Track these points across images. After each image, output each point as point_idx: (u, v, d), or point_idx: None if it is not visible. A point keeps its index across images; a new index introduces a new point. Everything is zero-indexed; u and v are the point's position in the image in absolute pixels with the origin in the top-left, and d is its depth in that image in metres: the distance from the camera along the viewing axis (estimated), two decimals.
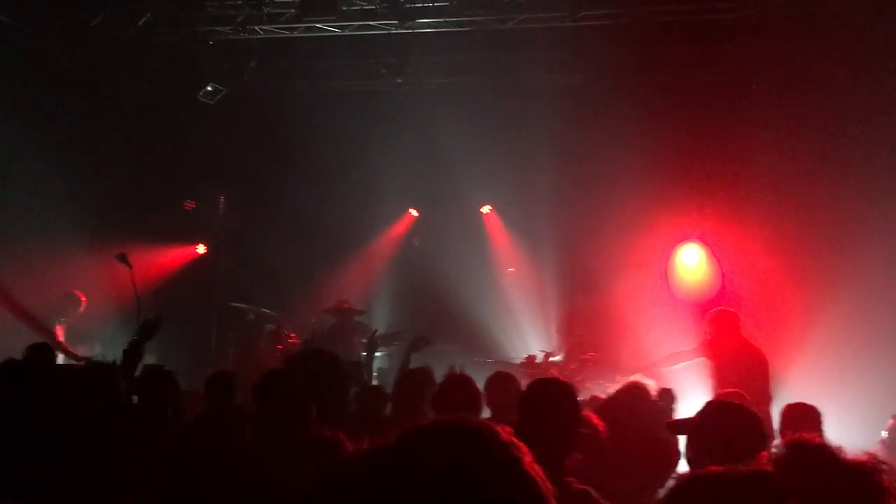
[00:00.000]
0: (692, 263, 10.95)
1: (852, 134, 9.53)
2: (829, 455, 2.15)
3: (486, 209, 12.43)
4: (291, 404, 3.62)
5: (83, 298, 9.39)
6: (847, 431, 5.20)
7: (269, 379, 4.02)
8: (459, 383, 4.40)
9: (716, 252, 10.76)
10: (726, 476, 1.76)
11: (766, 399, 6.51)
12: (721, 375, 6.88)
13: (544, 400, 3.01)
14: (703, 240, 10.90)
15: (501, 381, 4.66)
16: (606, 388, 7.65)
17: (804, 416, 4.48)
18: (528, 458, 1.27)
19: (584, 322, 9.92)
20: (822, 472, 2.10)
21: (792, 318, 9.33)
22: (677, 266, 11.05)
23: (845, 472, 2.11)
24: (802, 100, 9.91)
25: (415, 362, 8.04)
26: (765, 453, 2.39)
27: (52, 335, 8.90)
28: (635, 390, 4.50)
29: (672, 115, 10.38)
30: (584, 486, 2.87)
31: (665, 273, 10.95)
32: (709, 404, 3.32)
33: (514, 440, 1.27)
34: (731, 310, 7.54)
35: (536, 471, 1.26)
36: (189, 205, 10.70)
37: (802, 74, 10.01)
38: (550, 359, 9.47)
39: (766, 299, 9.65)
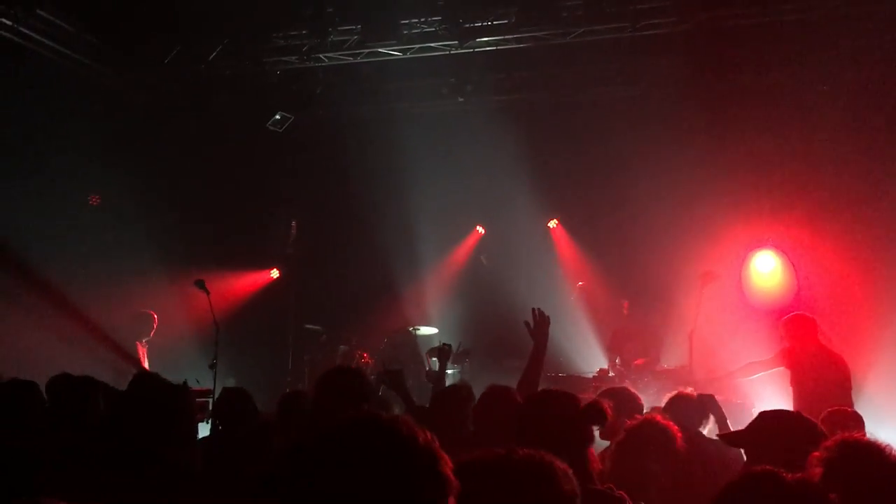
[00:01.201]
0: (767, 270, 10.69)
1: None
2: (877, 452, 2.18)
3: (552, 223, 12.40)
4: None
5: (154, 315, 9.68)
6: None
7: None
8: (499, 396, 4.32)
9: (791, 259, 10.49)
10: (774, 477, 1.79)
11: (848, 405, 6.33)
12: (801, 383, 6.73)
13: (539, 411, 2.99)
14: (778, 246, 10.64)
15: (496, 394, 4.38)
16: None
17: (847, 420, 4.35)
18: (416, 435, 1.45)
19: (633, 335, 9.77)
20: (872, 468, 2.12)
21: (868, 324, 9.02)
22: (752, 273, 10.81)
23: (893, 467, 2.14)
24: (877, 102, 9.62)
25: (483, 377, 8.08)
26: (815, 453, 2.36)
27: (137, 361, 9.24)
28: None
29: (742, 121, 10.20)
30: (619, 493, 2.84)
31: (740, 281, 10.73)
32: (762, 414, 3.26)
33: (420, 431, 1.46)
34: (808, 314, 7.35)
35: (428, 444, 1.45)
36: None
37: (876, 76, 9.71)
38: (610, 373, 9.41)
39: (841, 306, 9.36)
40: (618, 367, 9.37)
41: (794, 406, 6.39)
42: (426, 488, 1.38)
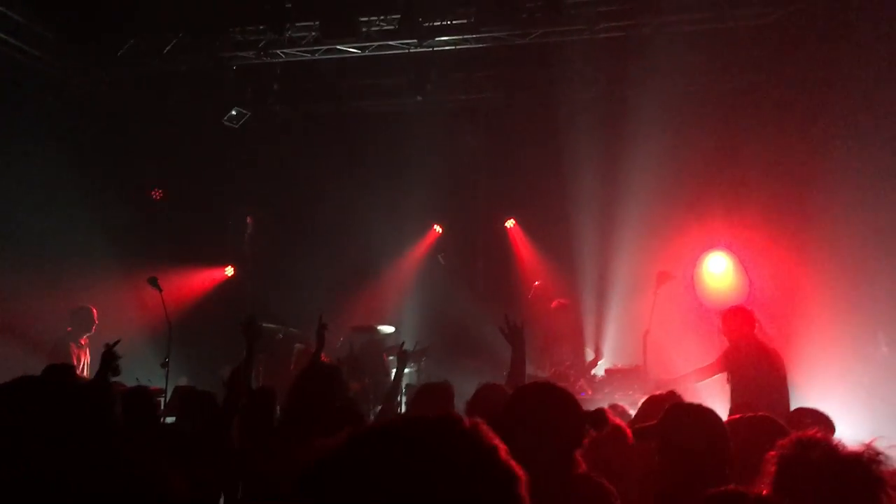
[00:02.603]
0: (719, 272, 10.87)
1: (886, 139, 9.43)
2: (829, 449, 2.24)
3: (509, 223, 12.45)
4: None
5: (94, 310, 9.38)
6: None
7: None
8: (491, 393, 4.33)
9: (743, 260, 10.68)
10: (740, 498, 1.80)
11: (784, 402, 6.48)
12: (738, 385, 6.83)
13: (525, 401, 2.97)
14: (730, 247, 10.83)
15: (488, 392, 4.48)
16: (633, 397, 7.69)
17: (816, 420, 4.43)
18: (498, 447, 1.29)
19: (565, 337, 9.78)
20: (824, 466, 2.17)
21: (819, 324, 9.23)
22: (705, 274, 10.98)
23: (844, 463, 2.19)
24: (832, 106, 9.82)
25: (444, 377, 8.08)
26: (772, 453, 2.40)
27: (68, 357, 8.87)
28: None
29: (697, 123, 10.36)
30: (600, 479, 2.86)
31: (693, 282, 10.89)
32: (670, 408, 3.31)
33: (482, 430, 1.30)
34: (745, 307, 7.46)
35: (507, 459, 1.28)
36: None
37: (831, 79, 9.93)
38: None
39: (792, 307, 9.56)
40: (566, 368, 9.30)
41: (732, 406, 6.44)
42: None
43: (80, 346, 9.19)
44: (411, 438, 1.27)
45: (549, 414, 2.81)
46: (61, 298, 9.54)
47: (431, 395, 4.84)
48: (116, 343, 5.88)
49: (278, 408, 5.09)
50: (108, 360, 5.63)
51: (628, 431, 3.82)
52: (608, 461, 3.49)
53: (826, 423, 4.54)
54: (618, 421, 3.84)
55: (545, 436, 2.72)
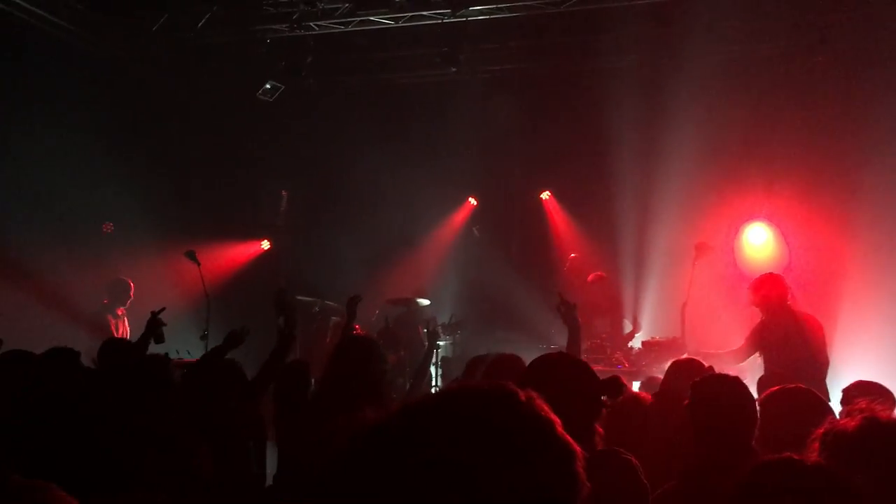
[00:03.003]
0: (759, 243, 10.69)
1: None
2: (872, 418, 2.21)
3: (545, 195, 12.34)
4: None
5: (130, 282, 9.52)
6: None
7: None
8: (509, 362, 4.30)
9: (783, 231, 10.48)
10: (792, 464, 1.77)
11: (819, 372, 6.32)
12: (770, 354, 6.65)
13: (540, 372, 2.93)
14: (771, 218, 10.63)
15: (508, 362, 4.36)
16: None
17: (873, 393, 4.30)
18: (554, 421, 1.27)
19: (603, 310, 9.66)
20: (867, 435, 2.15)
21: (860, 298, 9.04)
22: (744, 246, 10.80)
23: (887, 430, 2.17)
24: (873, 75, 9.56)
25: (475, 350, 8.07)
26: (819, 430, 2.37)
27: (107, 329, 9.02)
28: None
29: (737, 92, 10.14)
30: (625, 454, 2.83)
31: (732, 253, 10.73)
32: (700, 382, 3.29)
33: (538, 403, 1.27)
34: (778, 275, 7.17)
35: (563, 434, 1.25)
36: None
37: (877, 45, 9.64)
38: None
39: (833, 278, 9.38)
40: (602, 340, 9.21)
41: (764, 377, 6.28)
42: (556, 487, 1.20)
43: (118, 318, 9.36)
44: (468, 410, 1.23)
45: (565, 384, 2.77)
46: (100, 272, 9.69)
47: (503, 367, 4.74)
48: (161, 311, 5.97)
49: (313, 381, 5.12)
50: (153, 326, 5.72)
51: (647, 399, 3.80)
52: (622, 432, 3.48)
53: (884, 395, 4.40)
54: (640, 393, 3.81)
55: (561, 407, 2.68)
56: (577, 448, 1.25)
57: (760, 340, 6.84)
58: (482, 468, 1.15)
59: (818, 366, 6.49)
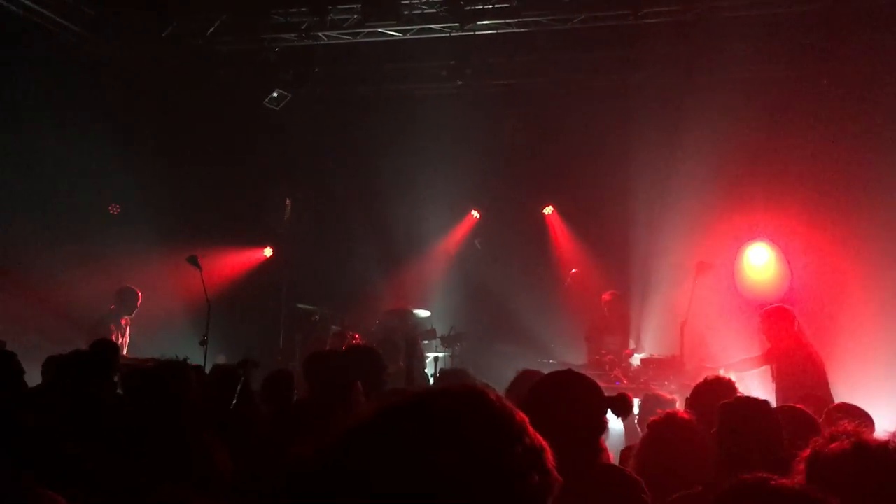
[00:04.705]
0: (760, 263, 10.70)
1: None
2: (856, 440, 2.23)
3: (548, 210, 12.36)
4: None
5: (138, 291, 9.54)
6: None
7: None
8: (531, 378, 4.29)
9: (785, 251, 10.50)
10: (766, 484, 1.79)
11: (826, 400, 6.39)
12: (781, 378, 6.82)
13: (546, 388, 2.95)
14: (772, 239, 10.65)
15: (528, 377, 4.39)
16: (668, 387, 7.63)
17: (853, 415, 4.35)
18: (524, 419, 1.31)
19: (613, 328, 9.72)
20: (850, 456, 2.16)
21: (863, 318, 9.05)
22: (745, 266, 10.81)
23: (870, 452, 2.18)
24: (877, 95, 9.60)
25: (475, 362, 8.09)
26: (805, 452, 2.39)
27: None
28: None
29: (740, 112, 10.16)
30: (626, 470, 2.84)
31: (733, 273, 10.74)
32: (730, 405, 3.30)
33: (508, 403, 1.32)
34: (785, 307, 7.48)
35: (529, 430, 1.30)
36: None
37: (876, 69, 9.69)
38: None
39: (835, 299, 9.39)
40: (603, 357, 9.25)
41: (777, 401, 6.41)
42: (527, 478, 1.24)
43: (120, 327, 9.37)
44: (439, 409, 1.28)
45: (571, 402, 2.80)
46: (103, 275, 9.72)
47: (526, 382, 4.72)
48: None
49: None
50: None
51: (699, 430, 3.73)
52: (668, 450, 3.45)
53: (863, 419, 4.43)
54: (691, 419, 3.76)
55: (567, 422, 2.71)
56: (546, 444, 1.30)
57: (774, 359, 7.10)
58: (454, 461, 1.20)
59: (826, 390, 6.64)
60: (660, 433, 3.58)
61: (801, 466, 2.37)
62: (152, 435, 2.97)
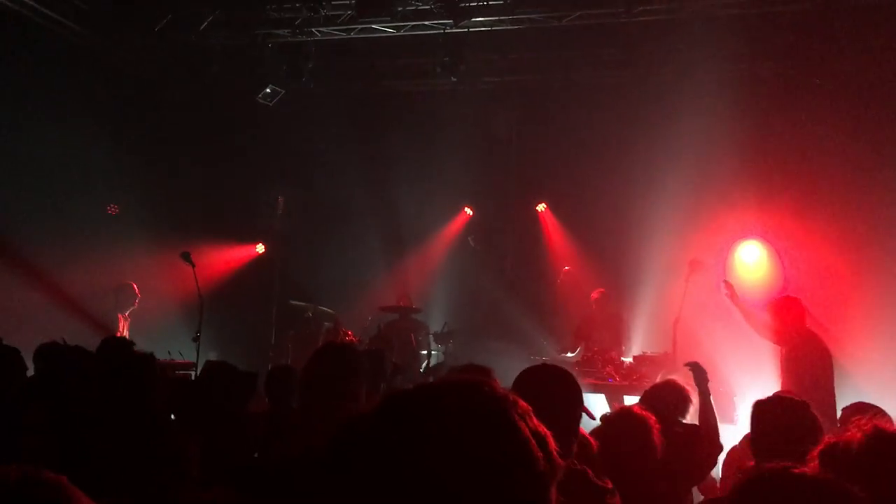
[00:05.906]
0: (752, 261, 10.73)
1: None
2: (868, 430, 2.23)
3: (540, 207, 12.37)
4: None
5: (136, 287, 9.56)
6: None
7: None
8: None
9: (777, 249, 10.53)
10: (789, 474, 1.79)
11: (831, 392, 6.44)
12: (789, 366, 6.78)
13: (533, 383, 2.95)
14: (764, 237, 10.67)
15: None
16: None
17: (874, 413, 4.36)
18: (527, 408, 1.32)
19: (602, 325, 9.76)
20: (861, 447, 2.16)
21: (855, 315, 9.09)
22: (737, 264, 10.84)
23: (882, 441, 2.18)
24: (868, 93, 9.64)
25: (468, 358, 8.07)
26: (816, 449, 2.40)
27: (115, 331, 9.11)
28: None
29: (732, 109, 10.18)
30: (599, 477, 2.85)
31: (725, 271, 10.76)
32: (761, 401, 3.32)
33: (510, 395, 1.32)
34: (795, 297, 7.40)
35: (529, 424, 1.29)
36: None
37: (868, 67, 9.73)
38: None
39: (828, 297, 9.42)
40: (589, 353, 9.29)
41: (783, 386, 6.49)
42: (532, 466, 1.24)
43: (126, 319, 9.44)
44: (442, 401, 1.28)
45: (550, 393, 2.80)
46: (97, 272, 9.69)
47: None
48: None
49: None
50: None
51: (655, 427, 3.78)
52: None
53: (881, 414, 4.44)
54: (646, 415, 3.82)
55: (546, 411, 2.70)
56: (548, 431, 1.30)
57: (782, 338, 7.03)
58: (461, 455, 1.21)
59: (830, 385, 6.62)
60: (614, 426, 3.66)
61: (814, 464, 2.37)
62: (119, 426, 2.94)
